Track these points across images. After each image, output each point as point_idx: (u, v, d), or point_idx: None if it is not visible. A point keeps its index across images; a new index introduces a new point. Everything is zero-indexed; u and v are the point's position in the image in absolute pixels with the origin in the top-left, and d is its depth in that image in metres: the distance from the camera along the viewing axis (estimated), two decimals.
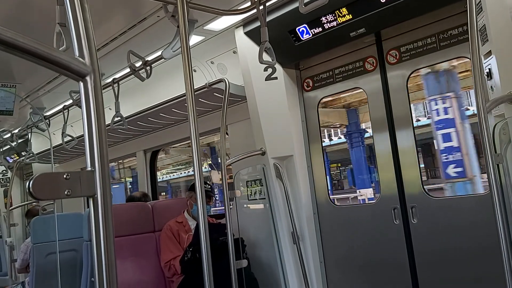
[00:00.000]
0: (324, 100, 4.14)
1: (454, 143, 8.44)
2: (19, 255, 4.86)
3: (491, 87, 2.44)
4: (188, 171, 20.73)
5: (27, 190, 0.81)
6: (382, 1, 3.09)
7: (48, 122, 5.12)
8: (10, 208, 6.44)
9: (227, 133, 4.43)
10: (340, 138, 17.80)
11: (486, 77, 2.44)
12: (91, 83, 0.91)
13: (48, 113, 5.44)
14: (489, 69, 2.42)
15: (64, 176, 0.84)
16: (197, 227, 3.14)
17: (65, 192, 0.84)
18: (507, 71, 2.33)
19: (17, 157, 7.33)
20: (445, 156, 8.47)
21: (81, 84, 0.91)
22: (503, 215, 2.02)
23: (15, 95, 4.77)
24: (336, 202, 3.90)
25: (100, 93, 0.92)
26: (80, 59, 0.91)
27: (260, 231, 4.01)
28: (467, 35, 2.13)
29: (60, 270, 3.80)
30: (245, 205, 4.18)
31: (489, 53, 2.42)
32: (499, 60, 2.35)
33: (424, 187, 3.44)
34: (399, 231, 3.48)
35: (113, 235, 0.90)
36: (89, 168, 0.89)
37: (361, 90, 3.80)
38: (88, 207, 0.95)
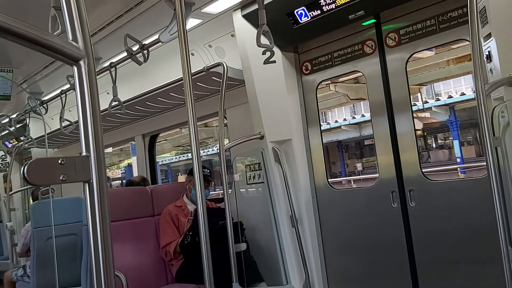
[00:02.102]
0: None
1: None
2: (20, 239, 4.89)
3: (491, 69, 2.42)
4: None
5: (22, 176, 0.80)
6: None
7: (45, 107, 5.09)
8: (10, 192, 6.46)
9: (225, 117, 4.41)
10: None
11: (485, 59, 2.43)
12: (85, 67, 0.89)
13: (45, 98, 5.41)
14: (489, 51, 2.40)
15: (59, 161, 0.84)
16: (196, 211, 3.15)
17: (60, 177, 0.83)
18: (506, 53, 2.32)
19: (16, 142, 7.33)
20: None
21: (75, 68, 0.90)
22: (501, 198, 2.03)
23: (12, 80, 4.74)
24: None
25: (94, 78, 0.91)
26: (74, 43, 0.90)
27: (259, 215, 4.02)
28: (467, 17, 2.11)
29: (61, 254, 3.82)
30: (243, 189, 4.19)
31: (488, 36, 2.40)
32: (499, 42, 2.33)
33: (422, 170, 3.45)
34: (397, 214, 3.50)
35: (109, 220, 0.90)
36: (84, 153, 0.89)
37: None
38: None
